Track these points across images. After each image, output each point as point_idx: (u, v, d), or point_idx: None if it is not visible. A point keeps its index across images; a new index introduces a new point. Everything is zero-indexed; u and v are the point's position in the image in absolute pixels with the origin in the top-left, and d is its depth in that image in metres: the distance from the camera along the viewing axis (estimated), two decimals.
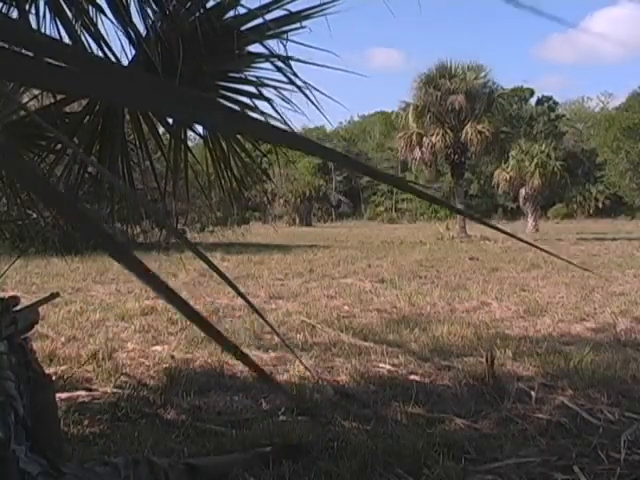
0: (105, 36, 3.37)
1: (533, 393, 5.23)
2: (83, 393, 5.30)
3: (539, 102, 77.05)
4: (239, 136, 3.96)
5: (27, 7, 3.16)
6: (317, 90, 3.57)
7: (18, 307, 3.05)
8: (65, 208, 0.76)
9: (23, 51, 0.68)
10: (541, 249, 1.00)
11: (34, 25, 3.05)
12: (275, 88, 3.65)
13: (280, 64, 3.59)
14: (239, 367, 6.10)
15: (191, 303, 0.69)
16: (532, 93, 76.75)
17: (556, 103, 78.57)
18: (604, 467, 3.84)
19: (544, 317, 8.83)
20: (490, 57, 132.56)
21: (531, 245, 1.00)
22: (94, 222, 0.70)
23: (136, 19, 3.38)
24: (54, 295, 3.60)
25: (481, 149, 31.56)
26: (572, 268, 14.44)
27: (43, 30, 3.08)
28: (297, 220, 57.42)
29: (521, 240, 0.97)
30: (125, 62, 3.47)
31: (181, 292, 0.89)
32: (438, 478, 3.67)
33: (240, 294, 0.77)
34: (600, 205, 64.98)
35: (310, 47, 3.50)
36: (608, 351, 6.57)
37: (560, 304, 9.90)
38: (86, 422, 4.63)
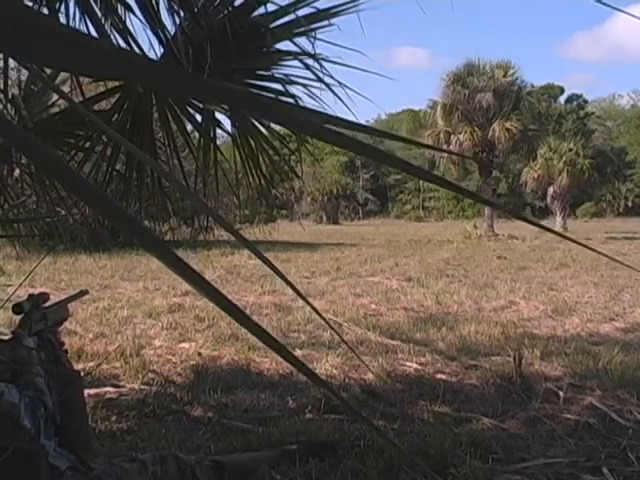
0: (134, 35, 3.39)
1: (561, 393, 5.18)
2: (111, 389, 5.33)
3: (568, 100, 76.35)
4: (267, 134, 3.98)
5: (57, 6, 3.19)
6: (346, 87, 3.57)
7: (47, 304, 3.08)
8: (106, 206, 0.76)
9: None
10: (575, 241, 0.99)
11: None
12: (303, 86, 3.66)
13: (308, 61, 3.59)
14: (266, 365, 6.11)
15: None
16: (562, 91, 76.09)
17: (586, 101, 77.76)
18: (634, 469, 3.79)
19: (572, 317, 8.75)
20: (514, 55, 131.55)
21: (564, 237, 0.99)
22: (133, 219, 0.70)
23: (165, 18, 3.40)
24: (83, 292, 3.62)
25: (509, 147, 31.44)
26: (601, 267, 14.32)
27: None
28: (324, 218, 57.34)
29: (554, 232, 0.96)
30: None
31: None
32: (465, 478, 3.64)
33: (296, 291, 0.79)
34: (630, 204, 64.30)
35: (338, 46, 3.51)
36: (638, 351, 6.50)
37: (589, 304, 9.82)
38: (114, 418, 4.66)
